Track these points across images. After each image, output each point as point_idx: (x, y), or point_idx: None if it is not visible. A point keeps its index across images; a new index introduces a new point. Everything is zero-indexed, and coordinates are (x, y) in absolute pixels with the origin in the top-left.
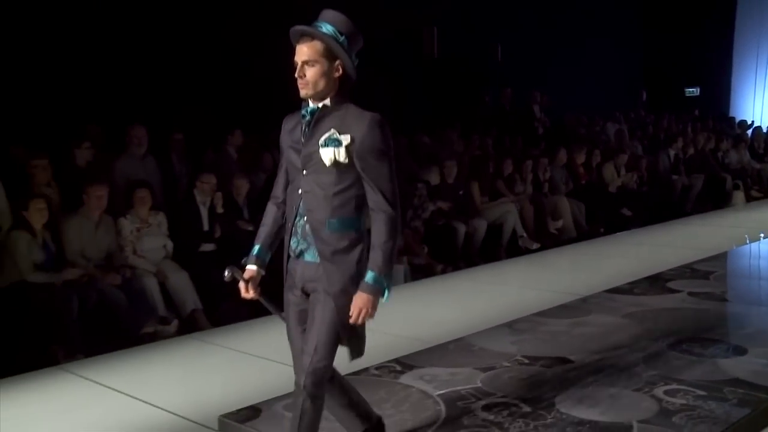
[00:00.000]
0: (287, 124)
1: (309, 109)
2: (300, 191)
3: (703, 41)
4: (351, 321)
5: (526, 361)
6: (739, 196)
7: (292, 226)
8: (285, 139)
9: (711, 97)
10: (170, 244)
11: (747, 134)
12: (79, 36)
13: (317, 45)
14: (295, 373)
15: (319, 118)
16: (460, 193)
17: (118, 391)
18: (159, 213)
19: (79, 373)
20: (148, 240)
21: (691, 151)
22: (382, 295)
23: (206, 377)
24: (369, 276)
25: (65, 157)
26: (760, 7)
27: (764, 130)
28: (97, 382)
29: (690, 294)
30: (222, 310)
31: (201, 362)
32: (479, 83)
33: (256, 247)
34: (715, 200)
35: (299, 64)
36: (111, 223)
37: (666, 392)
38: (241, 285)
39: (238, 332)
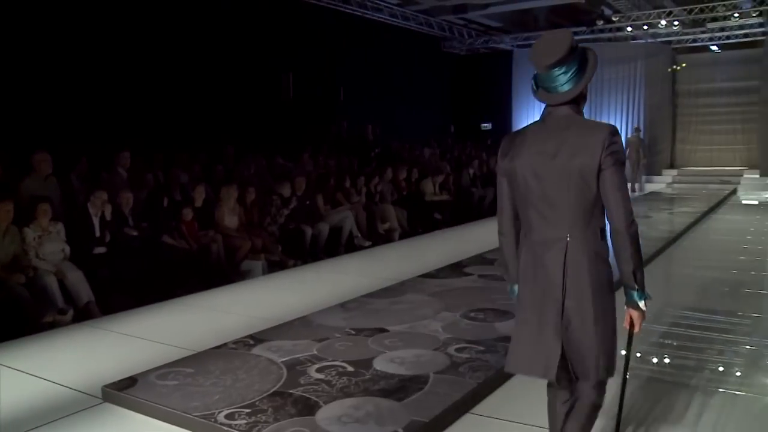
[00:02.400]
0: None
1: None
2: None
3: (492, 90)
4: None
5: (353, 332)
6: None
7: None
8: None
9: (499, 130)
10: (68, 248)
11: None
12: None
13: None
14: None
15: None
16: (307, 203)
17: (21, 371)
18: (58, 223)
19: None
20: (49, 245)
21: (485, 170)
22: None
23: (94, 356)
24: None
25: None
26: (527, 66)
27: None
28: (2, 364)
29: (479, 276)
30: (111, 301)
31: (91, 344)
32: (326, 117)
33: None
34: None
35: None
36: (16, 231)
37: (456, 350)
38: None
39: (124, 319)
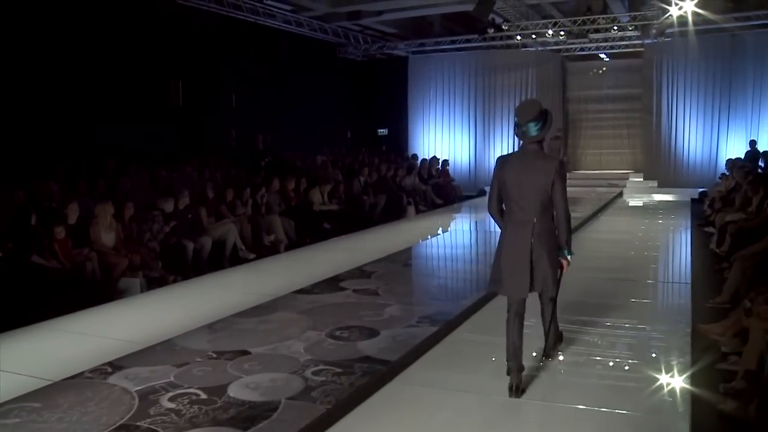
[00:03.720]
0: None
1: None
2: None
3: (389, 96)
4: None
5: (215, 355)
6: (411, 210)
7: None
8: None
9: (395, 136)
10: None
11: (417, 164)
12: None
13: None
14: None
15: None
16: (189, 216)
17: None
18: None
19: None
20: None
21: (376, 177)
22: None
23: None
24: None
25: None
26: (422, 72)
27: (428, 161)
28: None
29: (354, 291)
30: None
31: None
32: (217, 125)
33: None
34: (394, 213)
35: None
36: None
37: (313, 372)
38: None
39: None
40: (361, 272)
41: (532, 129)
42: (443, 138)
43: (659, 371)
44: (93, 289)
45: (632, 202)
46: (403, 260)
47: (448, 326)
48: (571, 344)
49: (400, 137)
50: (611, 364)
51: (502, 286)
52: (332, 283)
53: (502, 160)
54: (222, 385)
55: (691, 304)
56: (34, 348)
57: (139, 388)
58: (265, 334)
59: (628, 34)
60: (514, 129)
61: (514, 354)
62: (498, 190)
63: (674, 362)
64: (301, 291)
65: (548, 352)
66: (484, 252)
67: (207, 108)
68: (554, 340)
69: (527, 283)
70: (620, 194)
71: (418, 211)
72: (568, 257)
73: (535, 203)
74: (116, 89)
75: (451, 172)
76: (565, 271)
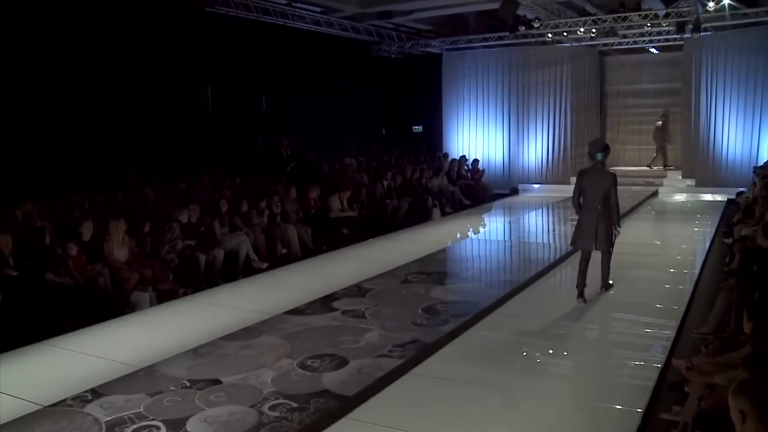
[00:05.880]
0: None
1: None
2: None
3: (424, 93)
4: None
5: (188, 384)
6: (436, 212)
7: None
8: None
9: (430, 133)
10: None
11: (446, 164)
12: None
13: None
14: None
15: None
16: (202, 229)
17: None
18: None
19: None
20: None
21: (400, 180)
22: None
23: None
24: None
25: None
26: (456, 69)
27: (456, 161)
28: None
29: (343, 312)
30: None
31: None
32: (246, 129)
33: None
34: (419, 216)
35: None
36: None
37: (270, 407)
38: None
39: None
40: (358, 289)
41: (599, 156)
42: (477, 135)
43: (612, 412)
44: (106, 304)
45: (666, 203)
46: (403, 275)
47: (418, 357)
48: (527, 379)
49: (434, 134)
50: (565, 400)
51: (577, 245)
52: (326, 302)
53: (581, 172)
54: (184, 417)
55: (676, 334)
56: (36, 369)
57: (109, 418)
58: (243, 361)
59: (665, 27)
60: (588, 156)
61: (581, 276)
62: (579, 190)
63: (630, 405)
64: (293, 311)
65: (604, 283)
66: (496, 263)
67: (236, 113)
68: (606, 279)
69: (593, 242)
70: (655, 194)
71: (444, 213)
72: (618, 229)
73: (600, 198)
74: (145, 96)
75: (484, 169)
76: (616, 237)
